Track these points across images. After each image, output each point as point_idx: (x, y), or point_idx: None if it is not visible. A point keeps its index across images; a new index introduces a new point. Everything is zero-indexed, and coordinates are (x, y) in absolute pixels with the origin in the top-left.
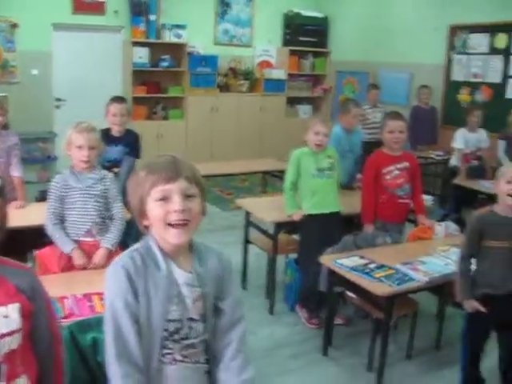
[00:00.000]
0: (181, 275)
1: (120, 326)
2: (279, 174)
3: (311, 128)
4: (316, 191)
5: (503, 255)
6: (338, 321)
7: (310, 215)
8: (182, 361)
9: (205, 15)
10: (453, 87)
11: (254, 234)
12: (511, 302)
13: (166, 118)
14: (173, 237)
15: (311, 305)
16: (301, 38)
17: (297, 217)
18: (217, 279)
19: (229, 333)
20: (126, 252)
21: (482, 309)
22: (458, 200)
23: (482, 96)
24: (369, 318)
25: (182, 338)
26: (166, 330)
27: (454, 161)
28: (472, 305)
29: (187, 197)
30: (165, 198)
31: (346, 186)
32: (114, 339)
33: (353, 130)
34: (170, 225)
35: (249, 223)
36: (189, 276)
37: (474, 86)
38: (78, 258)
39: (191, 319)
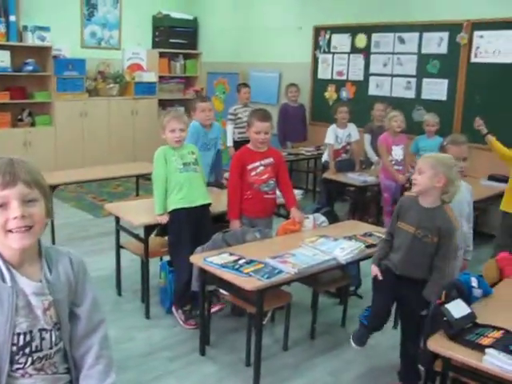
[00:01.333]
0: (27, 285)
1: None
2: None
3: (166, 126)
4: (183, 185)
5: (407, 239)
6: (215, 308)
7: (178, 210)
8: (37, 374)
9: (70, 17)
10: (320, 85)
11: (127, 238)
12: (406, 285)
13: (33, 124)
14: (14, 241)
15: (186, 305)
16: (171, 40)
17: (162, 219)
18: (70, 283)
19: (88, 338)
20: None
21: (379, 276)
22: (330, 193)
23: (346, 93)
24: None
25: (34, 351)
26: (14, 345)
27: (325, 156)
28: (373, 269)
29: (27, 202)
30: (3, 205)
31: (216, 184)
32: None
33: (209, 125)
34: (10, 231)
35: (119, 228)
36: (37, 285)
37: (339, 84)
38: None
39: (43, 330)
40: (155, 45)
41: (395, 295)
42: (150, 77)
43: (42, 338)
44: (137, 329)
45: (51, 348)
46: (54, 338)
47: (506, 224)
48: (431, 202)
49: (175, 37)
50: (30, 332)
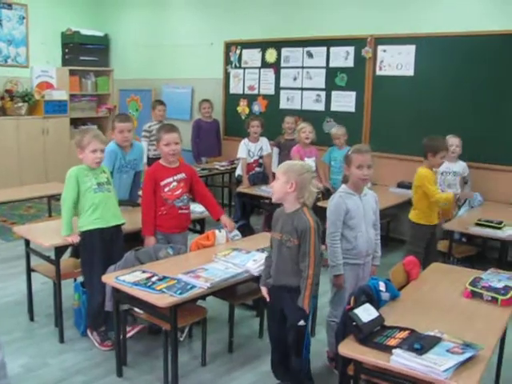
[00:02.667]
0: None
1: None
2: None
3: (87, 146)
4: (98, 205)
5: (276, 247)
6: (132, 332)
7: (91, 231)
8: None
9: None
10: (232, 100)
11: (40, 261)
12: (283, 296)
13: None
14: None
15: (101, 327)
16: (81, 57)
17: (73, 239)
18: None
19: None
20: None
21: (267, 297)
22: (245, 207)
23: (259, 107)
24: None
25: None
26: None
27: (238, 170)
28: (262, 290)
29: None
30: None
31: (130, 202)
32: None
33: (128, 146)
34: None
35: (29, 251)
36: None
37: (251, 98)
38: None
39: None
40: (65, 62)
41: (281, 311)
42: (61, 95)
43: None
44: (50, 354)
45: None
46: None
47: (414, 234)
48: (291, 207)
49: (86, 54)
50: None
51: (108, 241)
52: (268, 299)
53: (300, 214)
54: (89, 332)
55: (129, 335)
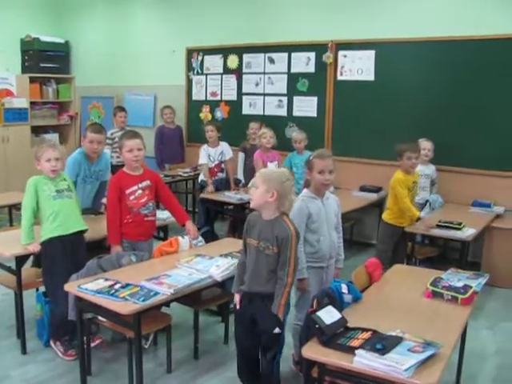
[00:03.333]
0: None
1: None
2: None
3: (41, 156)
4: (58, 212)
5: (252, 254)
6: (95, 342)
7: (51, 239)
8: None
9: None
10: (194, 106)
11: (0, 272)
12: (257, 303)
13: None
14: None
15: (64, 336)
16: (42, 65)
17: (34, 248)
18: None
19: None
20: None
21: (237, 304)
22: (208, 213)
23: (221, 113)
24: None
25: None
26: None
27: (202, 176)
28: (235, 298)
29: None
30: None
31: (93, 211)
32: None
33: (95, 157)
34: None
35: None
36: None
37: (213, 104)
38: None
39: None
40: (25, 69)
41: (251, 318)
42: (21, 103)
43: None
44: (12, 366)
45: None
46: None
47: (384, 233)
48: (270, 215)
49: (46, 61)
50: None
51: (69, 249)
52: (238, 306)
53: (280, 221)
54: (52, 342)
55: (93, 345)
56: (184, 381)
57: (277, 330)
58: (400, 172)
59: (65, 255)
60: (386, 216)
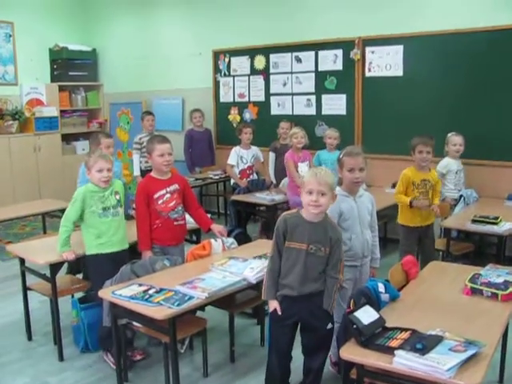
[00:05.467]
0: None
1: None
2: (60, 214)
3: (93, 166)
4: (102, 233)
5: (300, 257)
6: (136, 357)
7: (97, 255)
8: None
9: None
10: (222, 108)
11: (36, 279)
12: (305, 304)
13: None
14: None
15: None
16: (70, 73)
17: (68, 256)
18: None
19: None
20: None
21: (279, 310)
22: (240, 215)
23: (250, 114)
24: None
25: None
26: None
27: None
28: (272, 305)
29: None
30: None
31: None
32: None
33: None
34: None
35: (24, 269)
36: None
37: (241, 106)
38: None
39: None
40: (54, 78)
41: (295, 322)
42: (51, 111)
43: None
44: (50, 373)
45: None
46: None
47: (402, 235)
48: (319, 217)
49: (74, 69)
50: None
51: (115, 263)
52: (280, 312)
53: (330, 223)
54: (103, 355)
55: (134, 359)
56: None
57: (330, 326)
58: (411, 168)
59: (110, 269)
60: (399, 218)
